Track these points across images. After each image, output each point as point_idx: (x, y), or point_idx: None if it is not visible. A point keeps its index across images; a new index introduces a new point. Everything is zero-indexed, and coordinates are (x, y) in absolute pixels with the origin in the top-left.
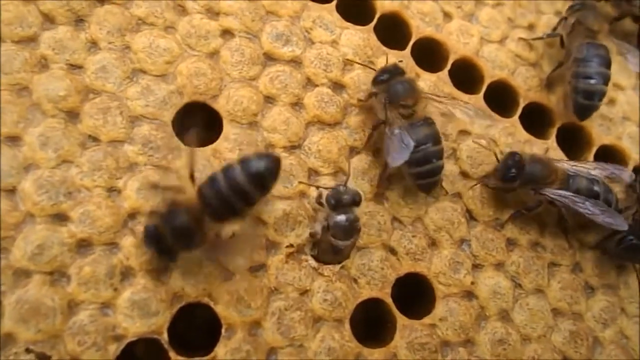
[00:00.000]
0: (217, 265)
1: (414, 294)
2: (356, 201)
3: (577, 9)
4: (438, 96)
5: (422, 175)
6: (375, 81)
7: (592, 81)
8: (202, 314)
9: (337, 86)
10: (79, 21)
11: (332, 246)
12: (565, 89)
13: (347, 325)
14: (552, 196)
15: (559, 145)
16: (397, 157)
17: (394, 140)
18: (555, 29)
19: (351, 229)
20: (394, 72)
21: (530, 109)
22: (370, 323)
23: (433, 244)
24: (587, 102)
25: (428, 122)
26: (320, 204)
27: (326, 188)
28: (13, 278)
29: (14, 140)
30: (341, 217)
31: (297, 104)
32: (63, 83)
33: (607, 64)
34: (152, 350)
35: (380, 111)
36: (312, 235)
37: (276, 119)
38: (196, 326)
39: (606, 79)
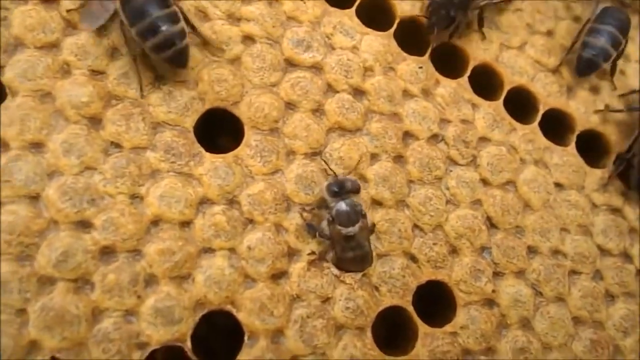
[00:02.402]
0: (240, 272)
1: (435, 301)
2: (355, 188)
3: None
4: None
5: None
6: None
7: (602, 39)
8: (223, 320)
9: (358, 92)
10: (101, 27)
11: (344, 238)
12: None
13: (369, 333)
14: None
15: (578, 151)
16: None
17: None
18: None
19: (354, 213)
20: None
21: (550, 115)
22: (390, 330)
23: (454, 251)
24: (591, 57)
25: None
26: (320, 206)
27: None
28: (37, 285)
29: (38, 146)
30: (341, 204)
31: (318, 110)
32: (86, 89)
33: (622, 30)
34: (171, 356)
35: None
36: (321, 235)
37: (297, 126)
38: (217, 331)
39: (615, 42)
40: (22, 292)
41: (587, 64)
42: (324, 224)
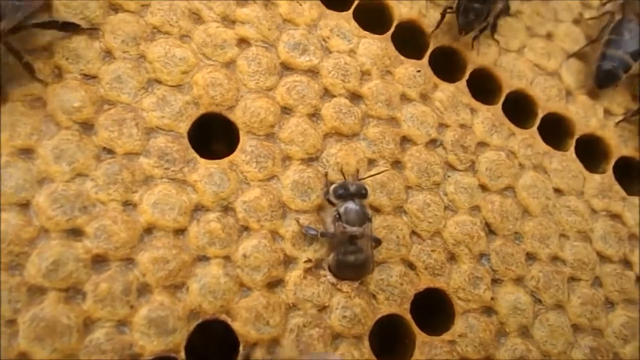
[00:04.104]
0: (235, 280)
1: (433, 309)
2: (362, 193)
3: None
4: None
5: None
6: None
7: (620, 50)
8: (217, 328)
9: (355, 96)
10: (93, 30)
11: (348, 238)
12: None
13: (367, 342)
14: None
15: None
16: None
17: None
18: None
19: (362, 214)
20: None
21: (549, 120)
22: (385, 337)
23: (452, 258)
24: (610, 68)
25: None
26: (328, 200)
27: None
28: (28, 295)
29: (28, 152)
30: (350, 203)
31: (314, 115)
32: (77, 94)
33: None
34: None
35: None
36: (323, 234)
37: (293, 131)
38: (210, 338)
39: (636, 55)
40: (12, 302)
41: (606, 75)
42: (329, 221)
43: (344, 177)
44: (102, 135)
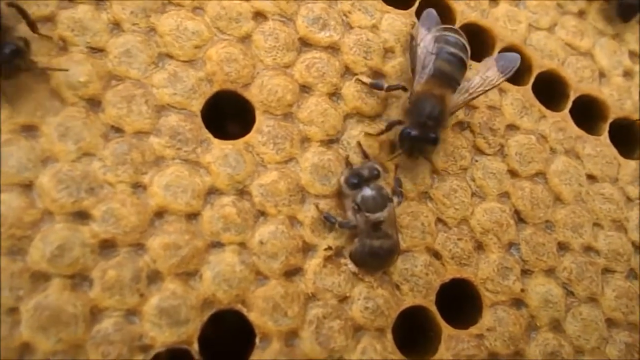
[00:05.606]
0: (251, 269)
1: (460, 301)
2: (375, 174)
3: None
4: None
5: None
6: None
7: None
8: (233, 318)
9: (378, 75)
10: (100, 0)
11: (372, 226)
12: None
13: (390, 335)
14: None
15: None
16: None
17: None
18: None
19: (381, 197)
20: None
21: (581, 102)
22: (407, 329)
23: (480, 247)
24: (632, 0)
25: None
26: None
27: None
28: (30, 282)
29: (31, 130)
30: (366, 190)
31: (335, 94)
32: (84, 68)
33: None
34: (175, 358)
35: None
36: (342, 225)
37: (313, 110)
38: (225, 329)
39: None
40: (13, 290)
41: (631, 9)
42: (350, 213)
43: (368, 158)
44: (110, 112)
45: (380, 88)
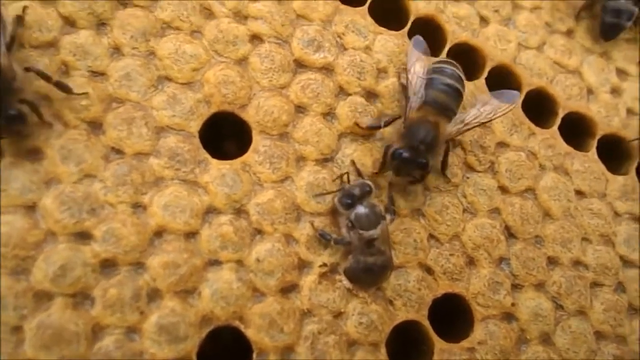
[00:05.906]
0: (248, 286)
1: (451, 315)
2: (367, 191)
3: None
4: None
5: None
6: None
7: (622, 0)
8: (229, 332)
9: (371, 95)
10: (100, 25)
11: (366, 243)
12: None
13: (384, 350)
14: None
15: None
16: None
17: None
18: None
19: (375, 215)
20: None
21: (569, 119)
22: (401, 344)
23: (471, 262)
24: (614, 20)
25: None
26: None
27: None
28: (34, 301)
29: (34, 153)
30: (360, 208)
31: (329, 114)
32: (85, 91)
33: None
34: None
35: None
36: (337, 242)
37: (308, 130)
38: (222, 344)
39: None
40: (17, 309)
41: (613, 28)
42: (344, 230)
43: (362, 177)
44: (110, 134)
45: (378, 128)
